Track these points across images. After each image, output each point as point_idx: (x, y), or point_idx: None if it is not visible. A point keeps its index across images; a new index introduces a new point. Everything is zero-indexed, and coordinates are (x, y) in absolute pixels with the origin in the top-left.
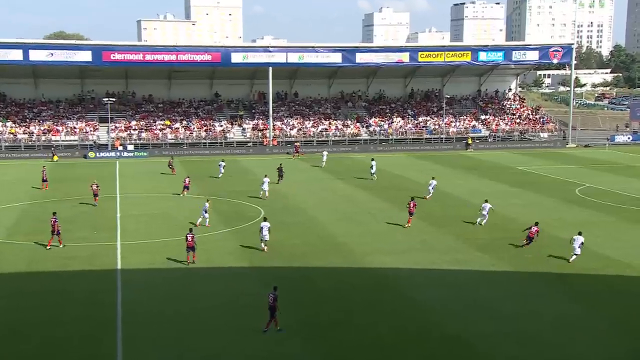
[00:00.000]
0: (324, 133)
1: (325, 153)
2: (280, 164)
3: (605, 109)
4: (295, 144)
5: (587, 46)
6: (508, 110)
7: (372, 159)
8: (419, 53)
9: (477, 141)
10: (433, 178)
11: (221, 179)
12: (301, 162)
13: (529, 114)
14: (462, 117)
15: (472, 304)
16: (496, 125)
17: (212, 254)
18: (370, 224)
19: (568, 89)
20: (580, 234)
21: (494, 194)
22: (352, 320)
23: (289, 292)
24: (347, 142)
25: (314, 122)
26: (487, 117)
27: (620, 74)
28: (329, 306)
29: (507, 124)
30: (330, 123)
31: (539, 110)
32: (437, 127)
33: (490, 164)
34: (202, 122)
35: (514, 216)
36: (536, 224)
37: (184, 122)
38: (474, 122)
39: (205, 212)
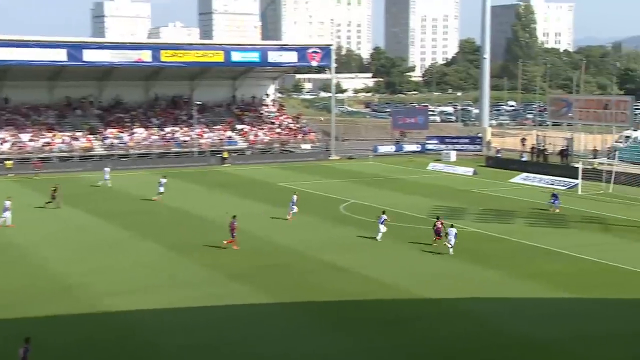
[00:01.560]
0: (46, 148)
1: (106, 169)
2: (57, 185)
3: (368, 117)
4: (34, 160)
5: (347, 48)
6: (267, 119)
7: (164, 177)
8: (162, 51)
9: (234, 154)
10: (295, 193)
11: None
12: (15, 183)
13: (289, 123)
14: (216, 127)
15: (234, 347)
16: (255, 136)
17: None
18: (107, 259)
19: (330, 94)
20: (452, 226)
21: (254, 215)
22: None
23: (2, 353)
24: (78, 158)
25: (33, 135)
26: (244, 126)
27: (382, 79)
28: None
29: (266, 134)
30: (54, 135)
31: (299, 118)
32: (187, 138)
33: (249, 180)
34: None
35: (273, 239)
36: (437, 218)
37: None
38: (229, 133)
39: None
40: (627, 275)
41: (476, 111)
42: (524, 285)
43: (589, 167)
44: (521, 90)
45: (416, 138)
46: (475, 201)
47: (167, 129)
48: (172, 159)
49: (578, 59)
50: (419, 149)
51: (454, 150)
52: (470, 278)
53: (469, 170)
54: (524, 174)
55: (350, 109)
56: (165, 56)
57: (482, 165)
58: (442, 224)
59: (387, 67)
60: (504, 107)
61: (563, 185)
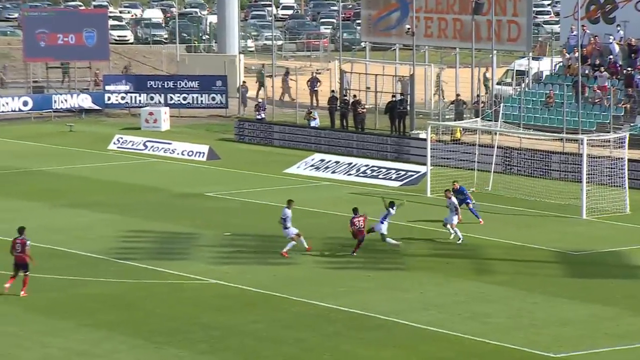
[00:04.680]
0: None
1: None
2: None
3: None
4: None
5: None
6: None
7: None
8: None
9: None
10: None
11: None
12: None
13: None
14: None
15: None
16: None
17: None
18: None
19: None
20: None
21: None
22: None
23: None
24: None
25: None
26: None
27: None
28: None
29: None
30: None
31: None
32: None
33: None
34: None
35: None
36: (354, 210)
37: None
38: None
39: None
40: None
41: (213, 19)
42: None
43: (445, 139)
44: None
45: (84, 79)
46: (214, 218)
47: None
48: None
49: None
50: (87, 105)
51: (166, 106)
52: None
53: (199, 151)
54: (315, 156)
55: None
56: None
57: (227, 139)
58: (364, 219)
59: None
60: (273, 10)
61: (396, 179)
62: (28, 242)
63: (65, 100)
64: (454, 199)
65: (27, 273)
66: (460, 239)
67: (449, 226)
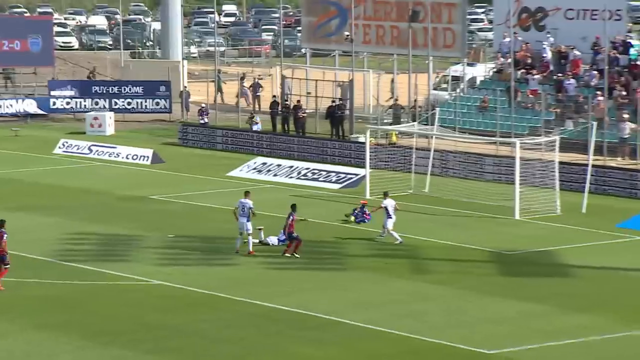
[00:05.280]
0: None
1: None
2: None
3: None
4: None
5: None
6: None
7: None
8: None
9: None
10: None
11: None
12: None
13: None
14: None
15: None
16: None
17: None
18: None
19: None
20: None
21: None
22: None
23: None
24: None
25: None
26: None
27: None
28: None
29: None
30: None
31: None
32: None
33: None
34: None
35: None
36: (293, 207)
37: None
38: None
39: None
40: None
41: (157, 26)
42: None
43: (382, 143)
44: None
45: (28, 84)
46: (158, 221)
47: None
48: None
49: None
50: (33, 110)
51: (111, 111)
52: None
53: (144, 154)
54: (257, 159)
55: None
56: None
57: (171, 143)
58: (293, 219)
59: None
60: (215, 17)
61: (336, 181)
62: (5, 236)
63: (11, 105)
64: (385, 202)
65: (7, 266)
66: (398, 240)
67: (385, 229)
